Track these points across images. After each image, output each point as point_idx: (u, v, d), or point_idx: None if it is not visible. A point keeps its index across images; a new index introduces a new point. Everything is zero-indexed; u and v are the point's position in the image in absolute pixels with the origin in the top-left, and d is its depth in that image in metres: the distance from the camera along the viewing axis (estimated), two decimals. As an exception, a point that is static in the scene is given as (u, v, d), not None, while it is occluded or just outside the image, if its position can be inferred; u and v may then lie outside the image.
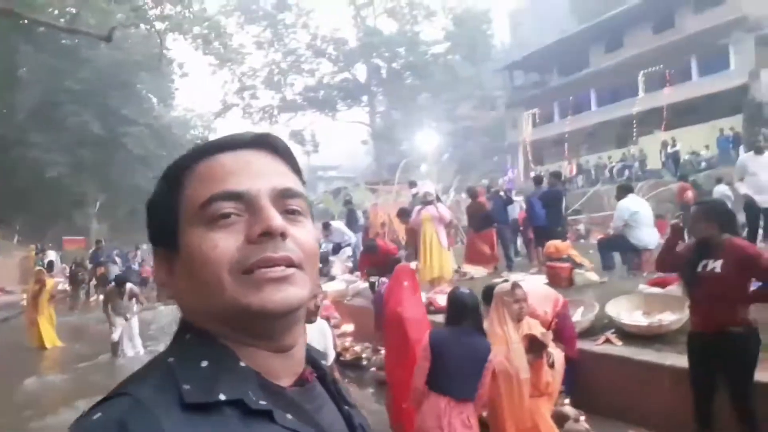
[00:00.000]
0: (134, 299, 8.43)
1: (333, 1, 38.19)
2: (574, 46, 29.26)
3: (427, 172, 18.46)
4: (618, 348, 4.89)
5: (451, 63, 33.50)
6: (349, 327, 8.01)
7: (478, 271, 8.92)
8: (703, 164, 19.27)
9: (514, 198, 11.09)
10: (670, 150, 20.52)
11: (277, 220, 0.59)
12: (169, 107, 33.79)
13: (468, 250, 9.89)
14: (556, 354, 3.76)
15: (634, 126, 23.85)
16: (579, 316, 5.48)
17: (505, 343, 3.63)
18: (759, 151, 7.19)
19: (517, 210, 10.62)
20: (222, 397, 0.54)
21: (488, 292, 4.09)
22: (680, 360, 4.05)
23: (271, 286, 0.58)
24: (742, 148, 17.08)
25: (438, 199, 9.10)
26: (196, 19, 20.47)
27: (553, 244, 7.31)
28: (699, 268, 3.51)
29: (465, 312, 3.40)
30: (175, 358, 0.59)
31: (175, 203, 0.63)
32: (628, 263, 7.63)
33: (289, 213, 0.62)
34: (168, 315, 12.69)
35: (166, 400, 0.53)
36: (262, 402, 0.56)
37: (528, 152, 25.43)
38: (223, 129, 44.28)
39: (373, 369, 6.86)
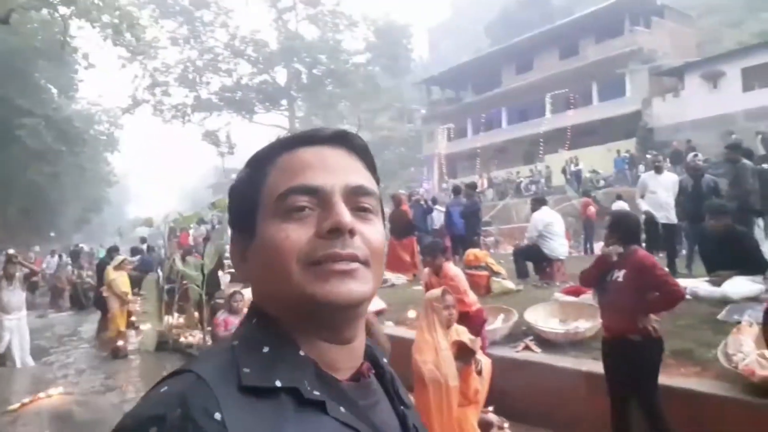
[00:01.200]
0: (22, 282, 7.56)
1: (254, 1, 37.48)
2: (487, 66, 30.61)
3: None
4: (537, 355, 5.04)
5: (372, 73, 33.85)
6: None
7: (398, 278, 8.98)
8: (602, 182, 20.71)
9: (437, 207, 11.31)
10: (573, 168, 21.90)
11: (346, 217, 0.61)
12: (72, 99, 31.31)
13: (388, 257, 9.92)
14: (484, 361, 3.80)
15: (541, 144, 25.28)
16: (499, 323, 5.62)
17: (434, 350, 3.62)
18: (658, 170, 7.78)
19: (441, 219, 10.83)
20: (278, 383, 0.56)
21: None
22: (596, 366, 4.24)
23: (336, 278, 0.60)
24: (640, 168, 18.53)
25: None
26: (106, 7, 19.10)
27: (472, 252, 7.50)
28: (608, 278, 3.68)
29: None
30: (239, 342, 0.61)
31: (255, 192, 0.65)
32: (540, 272, 7.96)
33: (360, 210, 0.64)
34: (62, 323, 11.64)
35: (226, 380, 0.55)
36: (316, 392, 0.58)
37: (443, 165, 26.17)
38: (131, 125, 41.77)
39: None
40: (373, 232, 0.64)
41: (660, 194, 7.40)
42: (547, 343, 5.21)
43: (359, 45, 35.36)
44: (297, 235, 0.61)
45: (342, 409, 0.59)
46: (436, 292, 3.78)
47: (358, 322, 0.65)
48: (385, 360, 0.75)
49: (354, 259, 0.61)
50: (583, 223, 14.27)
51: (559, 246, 7.90)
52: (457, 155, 30.19)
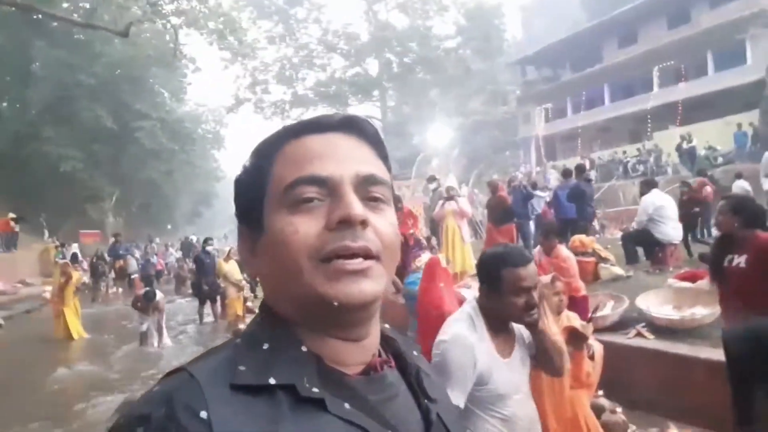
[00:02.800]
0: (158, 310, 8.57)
1: (344, -5, 38.24)
2: (586, 41, 29.10)
3: (439, 166, 18.42)
4: (651, 341, 4.90)
5: (463, 57, 33.37)
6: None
7: (499, 266, 8.96)
8: (720, 159, 19.12)
9: (539, 193, 11.07)
10: (686, 145, 20.37)
11: (357, 208, 0.58)
12: (181, 102, 33.96)
13: (487, 244, 9.90)
14: (596, 346, 3.78)
15: (648, 121, 23.70)
16: (609, 310, 5.50)
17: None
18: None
19: (541, 205, 10.61)
20: (272, 381, 0.55)
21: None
22: (715, 353, 4.07)
23: (348, 278, 0.58)
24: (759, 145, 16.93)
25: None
26: (212, 14, 20.49)
27: (578, 238, 7.32)
28: (725, 263, 3.52)
29: None
30: (242, 339, 0.61)
31: (262, 182, 0.63)
32: (651, 257, 7.62)
33: (371, 200, 0.61)
34: (187, 307, 12.82)
35: (219, 378, 0.55)
36: (315, 390, 0.56)
37: (540, 147, 25.34)
38: (234, 123, 44.24)
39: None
40: (385, 223, 0.62)
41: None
42: (660, 329, 5.04)
43: (450, 30, 34.97)
44: (306, 227, 0.58)
45: (347, 405, 0.57)
46: (546, 278, 3.80)
47: (371, 320, 0.63)
48: (415, 353, 0.73)
49: (366, 252, 0.59)
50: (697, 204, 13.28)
51: (671, 230, 7.49)
52: (555, 136, 29.10)
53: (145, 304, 8.29)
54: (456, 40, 34.72)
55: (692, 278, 5.78)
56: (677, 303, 5.32)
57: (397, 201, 8.52)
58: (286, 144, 0.64)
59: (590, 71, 28.90)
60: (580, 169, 9.79)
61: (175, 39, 21.00)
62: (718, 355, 3.85)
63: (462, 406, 1.75)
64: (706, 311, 4.88)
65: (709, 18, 24.31)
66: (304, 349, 0.60)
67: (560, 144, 29.31)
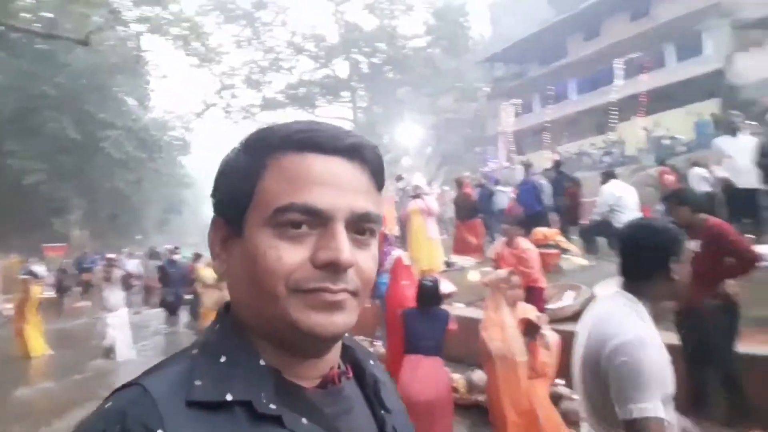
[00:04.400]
0: (121, 283, 8.38)
1: (310, -2, 38.05)
2: (552, 37, 29.51)
3: (410, 165, 18.45)
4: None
5: (432, 56, 33.54)
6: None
7: (466, 261, 9.04)
8: (682, 148, 19.56)
9: (500, 188, 11.20)
10: (650, 135, 20.83)
11: (345, 252, 0.57)
12: (147, 109, 33.36)
13: (455, 240, 9.99)
14: (552, 336, 3.84)
15: (613, 113, 24.12)
16: (570, 300, 5.58)
17: (500, 327, 3.71)
18: (733, 133, 7.34)
19: (505, 200, 10.74)
20: (229, 397, 0.54)
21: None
22: (670, 337, 4.16)
23: (323, 310, 0.57)
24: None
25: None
26: (176, 20, 20.21)
27: (540, 231, 7.43)
28: None
29: (429, 297, 4.02)
30: (198, 350, 0.60)
31: (251, 186, 0.60)
32: (614, 247, 7.75)
33: (359, 233, 0.61)
34: (155, 318, 12.59)
35: (174, 393, 0.53)
36: (272, 406, 0.55)
37: (509, 142, 25.62)
38: (202, 128, 43.68)
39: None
40: (368, 260, 0.61)
41: (737, 159, 6.98)
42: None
43: (418, 29, 35.12)
44: (290, 256, 0.57)
45: (304, 420, 0.57)
46: (503, 272, 3.88)
47: (336, 344, 0.64)
48: (371, 362, 0.72)
49: (344, 291, 0.58)
50: (662, 192, 13.60)
51: (631, 219, 7.64)
52: (525, 131, 29.42)
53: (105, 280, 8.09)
54: (424, 39, 34.90)
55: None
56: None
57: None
58: (284, 153, 0.60)
59: (557, 65, 29.34)
60: (558, 163, 9.96)
61: (138, 46, 20.65)
62: (672, 338, 3.93)
63: (667, 418, 1.46)
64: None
65: (668, 10, 24.86)
66: (262, 362, 0.59)
67: (528, 138, 29.68)
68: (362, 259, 0.60)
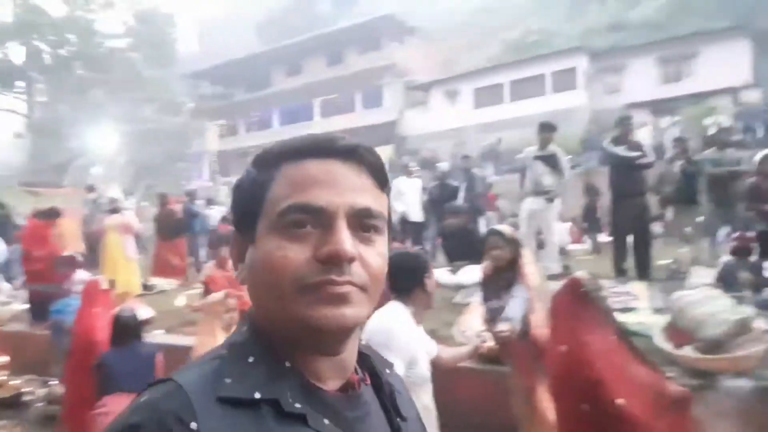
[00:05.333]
0: None
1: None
2: (258, 66, 30.59)
3: (102, 175, 16.47)
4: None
5: (133, 61, 30.90)
6: (3, 358, 6.68)
7: (168, 284, 8.56)
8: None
9: (210, 208, 11.02)
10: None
11: (346, 244, 0.59)
12: None
13: (156, 261, 9.36)
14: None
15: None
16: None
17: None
18: (409, 174, 8.96)
19: (215, 220, 10.59)
20: (258, 395, 0.57)
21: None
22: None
23: (330, 303, 0.59)
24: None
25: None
26: None
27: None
28: None
29: (129, 331, 3.62)
30: (228, 351, 0.62)
31: (259, 197, 0.64)
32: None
33: (363, 230, 0.63)
34: None
35: (206, 389, 0.56)
36: (297, 405, 0.58)
37: (215, 162, 25.36)
38: None
39: (40, 404, 5.90)
40: (374, 255, 0.63)
41: (409, 196, 8.52)
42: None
43: (118, 28, 31.95)
44: (295, 254, 0.59)
45: (326, 421, 0.59)
46: (218, 295, 3.87)
47: (349, 340, 0.65)
48: (387, 371, 0.75)
49: (350, 284, 0.60)
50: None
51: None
52: (229, 153, 29.54)
53: None
54: (125, 40, 31.95)
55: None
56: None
57: (54, 214, 7.29)
58: (286, 163, 0.64)
59: (261, 94, 30.47)
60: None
61: None
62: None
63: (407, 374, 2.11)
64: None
65: (357, 62, 28.59)
66: (287, 364, 0.61)
67: (234, 160, 29.91)
68: (368, 255, 0.62)
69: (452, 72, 27.34)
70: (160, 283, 8.52)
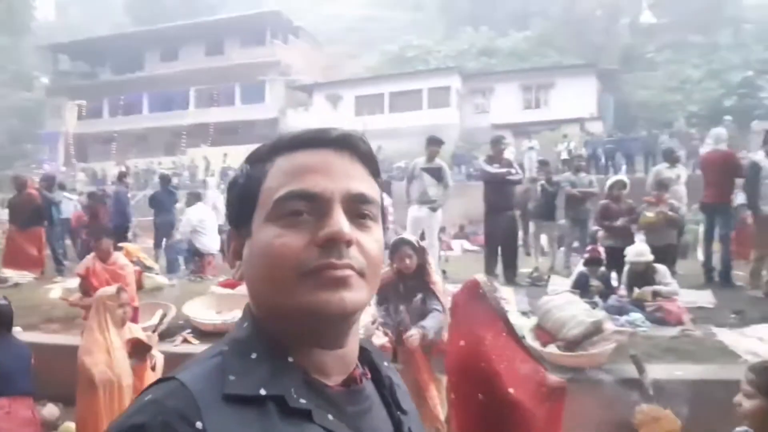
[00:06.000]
0: None
1: None
2: (129, 46, 28.45)
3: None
4: (196, 346, 5.28)
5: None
6: None
7: (22, 276, 7.71)
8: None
9: (66, 195, 10.08)
10: (223, 165, 22.39)
11: (344, 227, 0.60)
12: None
13: (8, 251, 8.35)
14: (159, 356, 3.87)
15: (184, 137, 24.95)
16: (157, 319, 5.62)
17: (106, 350, 3.53)
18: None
19: (71, 208, 9.69)
20: (263, 392, 0.57)
21: None
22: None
23: (329, 288, 0.59)
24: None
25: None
26: None
27: (125, 247, 7.15)
28: None
29: (3, 320, 3.48)
30: (229, 347, 0.62)
31: (254, 191, 0.64)
32: (192, 266, 8.12)
33: (359, 217, 0.63)
34: None
35: (210, 387, 0.56)
36: (303, 401, 0.58)
37: (71, 146, 23.03)
38: None
39: None
40: (371, 241, 0.63)
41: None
42: (206, 334, 5.50)
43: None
44: (293, 241, 0.59)
45: (329, 416, 0.59)
46: (111, 289, 3.68)
47: (351, 328, 0.65)
48: (386, 364, 0.75)
49: (349, 268, 0.60)
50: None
51: (210, 241, 8.24)
52: (90, 137, 27.04)
53: None
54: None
55: (233, 285, 6.53)
56: (219, 308, 5.92)
57: None
58: (279, 156, 0.64)
59: (131, 77, 28.35)
60: (122, 175, 9.62)
61: None
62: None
63: None
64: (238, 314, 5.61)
65: (239, 55, 27.78)
66: (290, 359, 0.61)
67: (94, 145, 27.39)
68: (365, 241, 0.63)
69: (334, 77, 27.67)
70: (15, 275, 7.66)
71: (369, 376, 0.70)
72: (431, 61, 27.43)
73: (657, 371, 4.05)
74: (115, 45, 28.45)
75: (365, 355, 0.71)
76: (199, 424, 0.52)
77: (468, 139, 22.49)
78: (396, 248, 3.56)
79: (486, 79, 24.54)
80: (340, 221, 0.60)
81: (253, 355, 0.60)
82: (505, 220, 6.75)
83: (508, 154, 15.99)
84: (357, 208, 0.63)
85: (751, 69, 21.63)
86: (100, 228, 5.26)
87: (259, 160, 0.66)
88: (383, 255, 0.67)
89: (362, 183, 0.64)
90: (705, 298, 5.72)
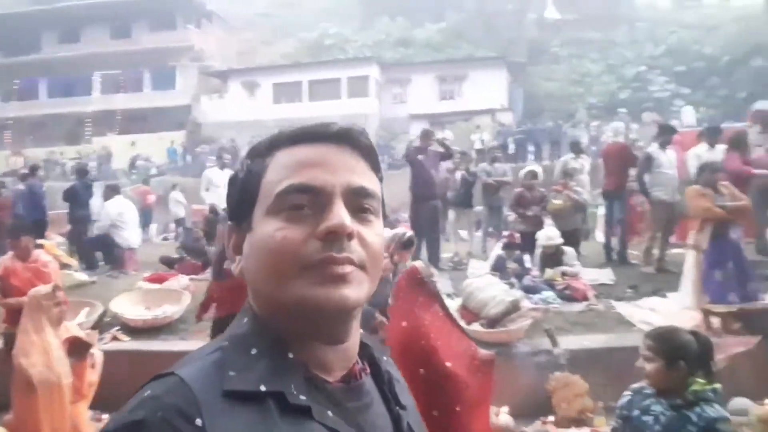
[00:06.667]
0: None
1: None
2: (23, 25, 26.18)
3: None
4: (128, 343, 5.21)
5: None
6: None
7: None
8: (154, 170, 20.84)
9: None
10: (132, 154, 21.33)
11: (344, 220, 0.59)
12: None
13: None
14: (98, 354, 3.83)
15: (88, 125, 23.45)
16: (83, 317, 5.45)
17: (43, 350, 3.48)
18: (222, 167, 8.92)
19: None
20: (263, 388, 0.56)
21: None
22: (186, 345, 4.84)
23: (330, 283, 0.59)
24: (187, 159, 19.67)
25: None
26: None
27: (42, 243, 6.80)
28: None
29: None
30: (229, 342, 0.61)
31: (255, 185, 0.64)
32: (111, 262, 7.83)
33: (360, 211, 0.63)
34: None
35: (210, 383, 0.55)
36: (302, 397, 0.58)
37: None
38: None
39: None
40: (372, 234, 0.63)
41: (223, 187, 8.53)
42: (135, 330, 5.41)
43: None
44: (294, 234, 0.59)
45: (329, 413, 0.59)
46: (45, 288, 3.60)
47: (352, 324, 0.64)
48: (385, 359, 0.74)
49: (349, 263, 0.60)
50: (142, 210, 14.28)
51: (132, 235, 8.00)
52: (-23, 123, 24.65)
53: None
54: None
55: (159, 280, 6.44)
56: (148, 303, 5.82)
57: None
58: (279, 150, 0.65)
59: (26, 59, 26.12)
60: (34, 168, 9.08)
61: None
62: (189, 346, 4.58)
63: None
64: (175, 308, 5.59)
65: (148, 39, 26.37)
66: (290, 355, 0.60)
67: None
68: (366, 235, 0.62)
69: (249, 63, 26.98)
70: None
71: (368, 371, 0.69)
72: (349, 50, 27.47)
73: (568, 342, 4.58)
74: (7, 24, 26.05)
75: (365, 350, 0.71)
76: (198, 421, 0.52)
77: (387, 128, 22.87)
78: None
79: (403, 69, 24.98)
80: (341, 214, 0.60)
81: (253, 351, 0.60)
82: (429, 209, 7.11)
83: (448, 135, 16.49)
84: (358, 201, 0.63)
85: (643, 64, 23.54)
86: (17, 225, 4.98)
87: (259, 155, 0.66)
88: (383, 249, 0.68)
89: (363, 177, 0.65)
90: (606, 275, 6.36)
